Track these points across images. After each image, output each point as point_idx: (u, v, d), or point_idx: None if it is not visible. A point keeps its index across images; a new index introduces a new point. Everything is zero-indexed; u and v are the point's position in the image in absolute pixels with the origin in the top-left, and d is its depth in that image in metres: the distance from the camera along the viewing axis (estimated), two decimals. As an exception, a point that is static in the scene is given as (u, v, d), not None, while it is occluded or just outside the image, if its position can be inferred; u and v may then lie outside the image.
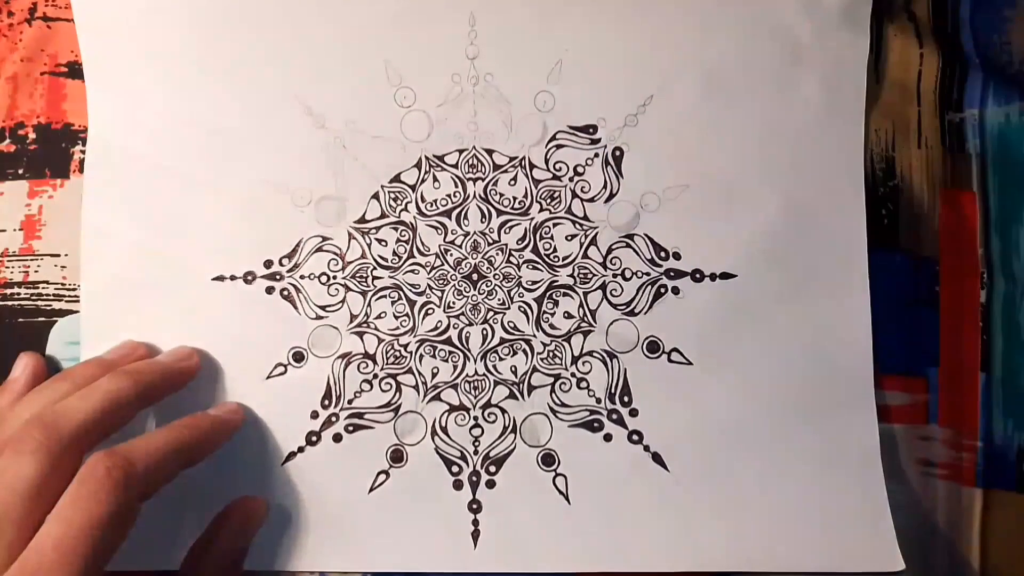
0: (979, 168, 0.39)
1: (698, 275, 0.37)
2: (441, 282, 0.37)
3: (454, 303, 0.37)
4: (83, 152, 0.38)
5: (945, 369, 0.38)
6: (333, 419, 0.37)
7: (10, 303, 0.37)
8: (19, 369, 0.35)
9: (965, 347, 0.38)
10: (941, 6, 0.40)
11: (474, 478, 0.36)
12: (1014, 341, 0.38)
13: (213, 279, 0.37)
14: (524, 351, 0.37)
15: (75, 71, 0.39)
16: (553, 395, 0.37)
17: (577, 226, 0.38)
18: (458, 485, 0.36)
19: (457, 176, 0.38)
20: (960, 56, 0.39)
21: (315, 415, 0.37)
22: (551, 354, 0.37)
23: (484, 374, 0.37)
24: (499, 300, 0.37)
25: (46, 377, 0.35)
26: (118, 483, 0.28)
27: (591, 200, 0.38)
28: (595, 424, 0.37)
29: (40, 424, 0.30)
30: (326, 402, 0.37)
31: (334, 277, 0.37)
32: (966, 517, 0.37)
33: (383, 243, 0.38)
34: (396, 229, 0.38)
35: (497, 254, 0.38)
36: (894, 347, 0.37)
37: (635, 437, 0.37)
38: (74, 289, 0.37)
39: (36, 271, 0.38)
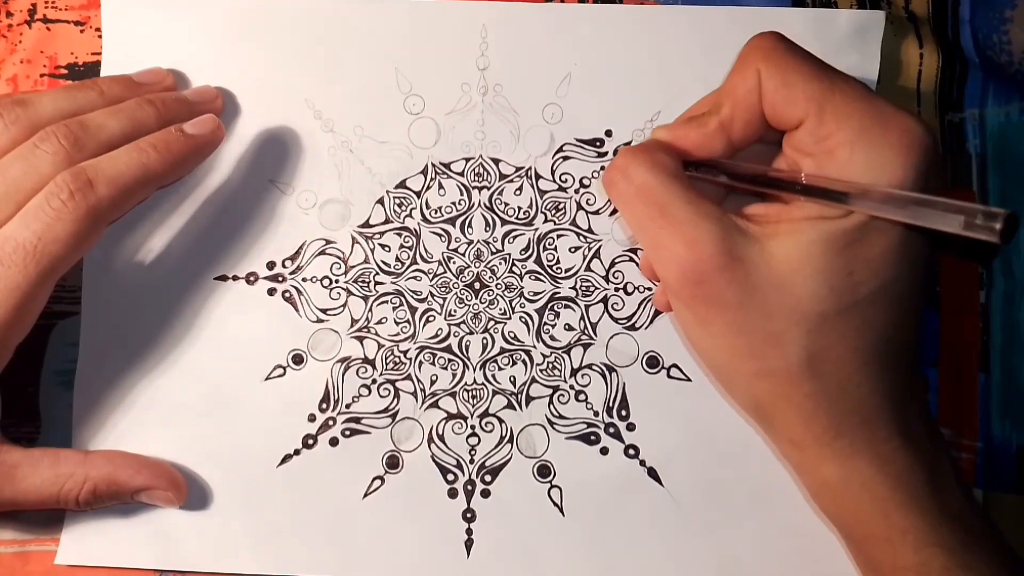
0: (979, 168, 0.39)
1: (700, 292, 0.37)
2: (443, 289, 0.37)
3: (455, 311, 0.37)
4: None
5: (945, 369, 0.37)
6: (330, 423, 0.37)
7: None
8: (149, 76, 0.36)
9: (965, 347, 0.38)
10: (941, 6, 0.39)
11: (469, 487, 0.36)
12: (1014, 340, 0.38)
13: (215, 279, 0.37)
14: (524, 361, 0.37)
15: (75, 73, 0.38)
16: (551, 407, 0.37)
17: (581, 238, 0.38)
18: (453, 493, 0.36)
19: (463, 184, 0.38)
20: (960, 56, 0.39)
21: (312, 418, 0.37)
22: (550, 366, 0.37)
23: (483, 383, 0.37)
24: (500, 310, 0.37)
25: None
26: (79, 207, 0.30)
27: (596, 213, 0.38)
28: (592, 437, 0.37)
29: (66, 130, 0.31)
30: (324, 406, 0.37)
31: (336, 281, 0.37)
32: None
33: (386, 248, 0.38)
34: (400, 235, 0.38)
35: (500, 263, 0.38)
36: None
37: (631, 451, 0.37)
38: (73, 291, 0.37)
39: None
